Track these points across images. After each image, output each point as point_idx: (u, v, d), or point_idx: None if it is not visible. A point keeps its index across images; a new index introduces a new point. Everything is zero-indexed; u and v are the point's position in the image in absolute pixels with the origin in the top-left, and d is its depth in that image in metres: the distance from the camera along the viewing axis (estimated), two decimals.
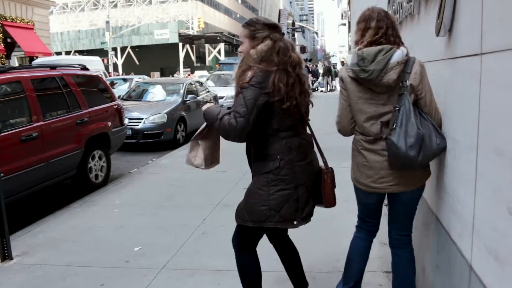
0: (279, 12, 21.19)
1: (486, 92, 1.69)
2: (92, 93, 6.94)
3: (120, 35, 46.38)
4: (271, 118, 2.42)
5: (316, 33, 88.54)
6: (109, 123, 7.02)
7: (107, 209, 5.57)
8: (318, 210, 2.79)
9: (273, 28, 2.52)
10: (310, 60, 33.51)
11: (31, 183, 5.41)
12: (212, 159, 2.78)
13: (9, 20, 22.00)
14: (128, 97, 12.25)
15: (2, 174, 4.75)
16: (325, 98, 22.69)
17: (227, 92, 16.84)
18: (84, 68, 7.09)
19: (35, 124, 5.45)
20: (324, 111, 12.34)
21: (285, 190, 2.43)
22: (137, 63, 50.70)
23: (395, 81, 2.31)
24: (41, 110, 5.59)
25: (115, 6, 51.06)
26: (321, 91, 28.68)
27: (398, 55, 2.31)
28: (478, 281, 1.73)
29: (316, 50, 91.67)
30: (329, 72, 29.32)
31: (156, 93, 11.94)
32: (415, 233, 3.10)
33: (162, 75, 46.36)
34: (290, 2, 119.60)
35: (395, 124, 2.29)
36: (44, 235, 4.75)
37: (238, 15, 66.72)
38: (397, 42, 2.37)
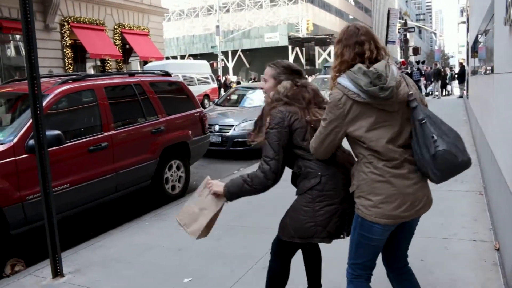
0: (389, 11, 19.77)
1: None
2: (172, 100, 6.65)
3: (231, 38, 47.51)
4: (303, 140, 2.52)
5: (434, 33, 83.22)
6: (190, 132, 6.67)
7: (174, 226, 5.11)
8: None
9: (296, 73, 2.71)
10: (423, 62, 31.18)
11: (99, 194, 5.21)
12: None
13: (127, 28, 23.47)
14: (226, 101, 12.03)
15: (63, 187, 4.59)
16: (439, 104, 20.79)
17: None
18: (166, 74, 6.84)
19: (105, 134, 5.25)
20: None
21: (331, 205, 2.45)
22: (247, 66, 51.61)
23: (406, 95, 2.18)
24: (113, 119, 5.38)
25: (227, 11, 52.46)
26: (434, 96, 26.22)
27: (395, 68, 2.20)
28: None
29: (433, 51, 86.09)
30: (439, 75, 26.43)
31: (253, 98, 11.52)
32: None
33: None
34: (406, 1, 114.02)
35: (434, 136, 2.11)
36: (103, 252, 4.49)
37: (350, 17, 64.92)
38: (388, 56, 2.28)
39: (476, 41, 9.83)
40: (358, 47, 2.21)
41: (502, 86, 4.28)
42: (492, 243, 4.01)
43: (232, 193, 2.62)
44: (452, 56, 75.94)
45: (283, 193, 6.09)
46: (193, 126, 6.83)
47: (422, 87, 24.27)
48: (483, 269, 3.57)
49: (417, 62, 27.66)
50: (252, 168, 8.22)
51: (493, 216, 4.43)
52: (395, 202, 2.18)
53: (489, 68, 6.03)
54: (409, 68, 24.29)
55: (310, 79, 26.90)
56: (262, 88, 2.78)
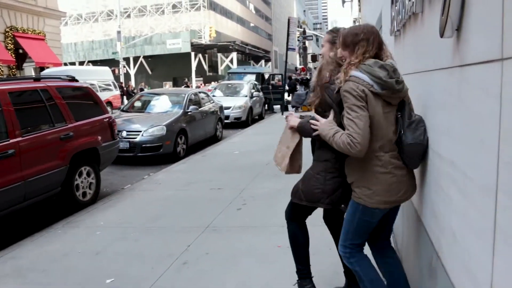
0: (288, 20, 20.67)
1: (511, 113, 1.18)
2: (80, 106, 6.52)
3: (133, 44, 46.42)
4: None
5: None
6: (99, 137, 6.59)
7: (89, 232, 5.12)
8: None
9: None
10: None
11: (7, 203, 4.99)
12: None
13: (20, 32, 22.04)
14: (131, 108, 11.88)
15: None
16: None
17: (234, 102, 16.43)
18: (73, 79, 6.69)
19: (11, 141, 5.04)
20: None
21: (338, 178, 2.70)
22: (150, 72, 50.70)
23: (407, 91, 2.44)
24: (20, 125, 5.18)
25: (128, 16, 51.18)
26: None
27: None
28: None
29: None
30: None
31: (157, 104, 11.54)
32: (420, 274, 2.59)
33: (174, 84, 46.25)
34: (304, 11, 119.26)
35: (402, 130, 2.35)
36: (15, 262, 4.32)
37: (251, 24, 66.51)
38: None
39: None
40: (378, 46, 2.43)
41: None
42: None
43: (302, 133, 2.81)
44: None
45: (193, 195, 6.33)
46: (102, 132, 6.75)
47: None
48: None
49: (315, 69, 29.08)
50: (160, 173, 8.29)
51: None
52: (394, 189, 2.40)
53: None
54: (308, 74, 25.50)
55: (214, 85, 27.23)
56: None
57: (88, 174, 6.39)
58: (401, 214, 3.50)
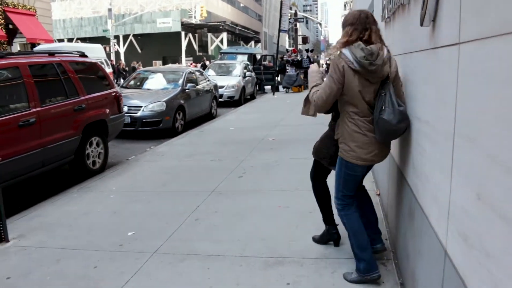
0: (281, 2, 21.07)
1: (462, 82, 1.72)
2: (91, 80, 6.97)
3: (123, 23, 46.18)
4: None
5: (320, 23, 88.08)
6: (107, 110, 7.06)
7: (103, 195, 5.63)
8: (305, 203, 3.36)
9: None
10: (311, 51, 33.24)
11: (28, 168, 5.47)
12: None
13: (11, 6, 21.96)
14: (128, 85, 12.29)
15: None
16: None
17: (228, 82, 16.86)
18: (83, 55, 7.11)
19: (32, 110, 5.50)
20: None
21: (337, 145, 3.20)
22: (139, 51, 50.53)
23: (387, 73, 2.89)
24: (39, 96, 5.63)
25: None
26: None
27: (385, 51, 2.89)
28: (450, 264, 1.78)
29: (319, 41, 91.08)
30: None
31: (156, 81, 11.97)
32: (401, 221, 3.16)
33: (164, 64, 46.19)
34: None
35: (384, 106, 2.82)
36: (40, 220, 4.81)
37: (241, 5, 66.29)
38: (382, 41, 2.95)
39: None
40: (363, 32, 2.91)
41: None
42: (374, 191, 5.11)
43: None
44: None
45: (195, 165, 6.86)
46: (110, 105, 7.21)
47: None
48: None
49: (307, 51, 29.52)
50: (162, 146, 8.79)
51: (374, 172, 5.56)
52: (367, 149, 2.95)
53: None
54: (299, 55, 25.93)
55: (208, 63, 27.52)
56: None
57: (98, 144, 6.87)
58: (387, 176, 4.07)
